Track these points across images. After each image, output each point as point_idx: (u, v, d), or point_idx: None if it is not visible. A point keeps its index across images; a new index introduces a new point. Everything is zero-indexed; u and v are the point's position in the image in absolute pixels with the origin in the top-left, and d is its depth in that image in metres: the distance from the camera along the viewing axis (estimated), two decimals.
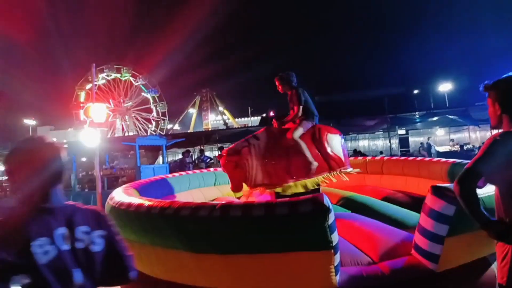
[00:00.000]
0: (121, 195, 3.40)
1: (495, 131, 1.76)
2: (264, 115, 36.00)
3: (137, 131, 30.39)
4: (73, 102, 27.82)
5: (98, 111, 7.10)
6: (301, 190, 4.15)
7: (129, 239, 3.14)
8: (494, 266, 2.62)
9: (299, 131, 4.32)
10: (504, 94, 1.72)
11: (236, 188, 4.32)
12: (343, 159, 4.47)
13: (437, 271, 2.47)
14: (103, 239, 1.37)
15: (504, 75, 1.74)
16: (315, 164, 4.19)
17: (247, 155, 4.17)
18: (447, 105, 25.38)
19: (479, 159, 1.58)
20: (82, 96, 27.77)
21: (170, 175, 6.16)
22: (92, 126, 7.51)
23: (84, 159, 14.62)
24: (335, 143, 4.52)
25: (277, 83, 4.64)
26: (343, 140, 4.67)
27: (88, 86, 26.76)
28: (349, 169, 4.52)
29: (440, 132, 22.99)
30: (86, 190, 10.73)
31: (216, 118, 48.00)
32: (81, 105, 26.68)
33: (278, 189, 4.20)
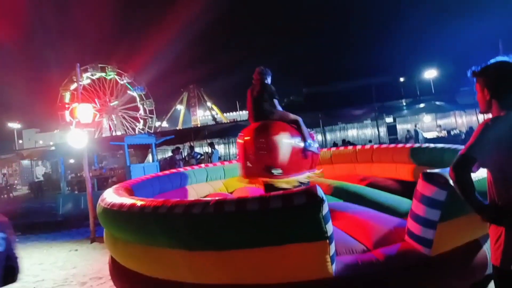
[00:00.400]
0: (113, 196, 3.36)
1: (482, 117, 1.77)
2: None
3: (125, 130, 30.07)
4: (58, 103, 27.35)
5: (85, 111, 7.00)
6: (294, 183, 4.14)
7: (123, 240, 3.12)
8: (485, 248, 2.68)
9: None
10: (493, 79, 1.73)
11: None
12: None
13: (431, 255, 2.51)
14: (4, 241, 1.48)
15: (492, 60, 1.76)
16: None
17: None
18: (433, 91, 25.65)
19: (473, 144, 1.60)
20: (67, 97, 27.30)
21: (160, 173, 6.12)
22: (79, 127, 7.42)
23: (72, 160, 14.47)
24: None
25: (258, 76, 4.60)
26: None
27: (73, 86, 26.31)
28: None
29: (427, 119, 23.27)
30: (76, 192, 10.62)
31: (205, 114, 47.78)
32: (67, 106, 26.29)
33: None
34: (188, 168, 6.84)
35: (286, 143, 4.13)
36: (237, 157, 4.83)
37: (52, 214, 10.45)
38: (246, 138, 4.25)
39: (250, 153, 4.17)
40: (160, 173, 6.16)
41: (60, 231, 8.28)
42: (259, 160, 4.11)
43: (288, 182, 4.07)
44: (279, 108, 4.53)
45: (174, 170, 6.44)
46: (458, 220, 2.50)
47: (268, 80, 4.61)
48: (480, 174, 2.07)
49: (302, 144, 4.33)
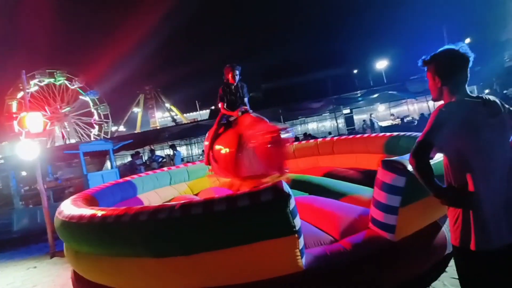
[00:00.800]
0: (70, 208, 3.20)
1: (432, 104, 1.85)
2: (213, 107, 35.65)
3: (79, 137, 28.76)
4: (5, 113, 25.67)
5: (34, 120, 6.60)
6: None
7: (86, 252, 2.98)
8: (444, 229, 2.82)
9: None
10: (443, 67, 1.80)
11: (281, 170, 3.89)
12: None
13: (395, 240, 2.61)
14: None
15: (441, 49, 1.83)
16: None
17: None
18: (385, 81, 26.73)
19: (429, 130, 1.66)
20: (14, 106, 25.70)
21: (121, 180, 5.91)
22: (29, 137, 6.98)
23: (24, 173, 13.63)
24: None
25: (233, 73, 4.63)
26: None
27: (20, 94, 24.80)
28: None
29: (381, 108, 24.24)
30: (31, 206, 10.04)
31: (164, 115, 46.79)
32: (14, 115, 24.73)
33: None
34: (150, 172, 6.66)
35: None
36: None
37: (6, 231, 9.78)
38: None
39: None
40: (121, 180, 5.95)
41: (17, 248, 7.79)
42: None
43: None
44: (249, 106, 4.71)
45: (135, 176, 6.24)
46: (418, 204, 2.62)
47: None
48: (436, 158, 2.17)
49: None
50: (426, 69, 1.87)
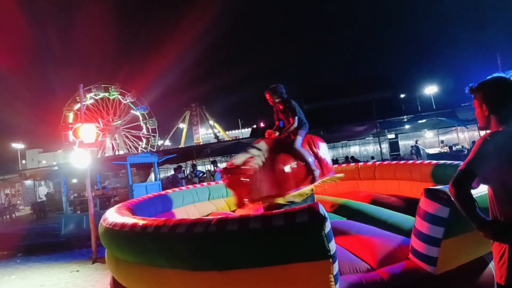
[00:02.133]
0: (114, 216, 3.36)
1: (483, 132, 1.78)
2: (254, 126, 36.09)
3: (128, 149, 30.11)
4: (62, 123, 27.51)
5: (88, 131, 7.05)
6: (300, 198, 4.17)
7: (125, 260, 3.10)
8: (492, 265, 2.64)
9: (300, 141, 4.44)
10: (491, 95, 1.75)
11: (241, 204, 4.02)
12: (330, 165, 4.76)
13: (436, 273, 2.48)
14: None
15: (489, 77, 1.78)
16: (317, 171, 4.30)
17: (252, 167, 3.99)
18: (434, 107, 25.73)
19: (472, 159, 1.60)
20: (71, 117, 27.49)
21: (163, 192, 6.11)
22: (82, 146, 7.44)
23: (75, 180, 14.45)
24: (325, 150, 4.75)
25: (267, 96, 4.66)
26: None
27: (76, 106, 26.53)
28: (337, 175, 4.78)
29: (428, 134, 23.28)
30: (79, 212, 10.57)
31: (207, 132, 47.94)
32: (70, 126, 26.45)
33: (280, 200, 4.14)
34: (190, 186, 6.83)
35: None
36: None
37: (54, 235, 10.38)
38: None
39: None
40: (163, 192, 6.15)
41: (62, 252, 8.21)
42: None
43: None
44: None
45: (176, 189, 6.42)
46: (462, 237, 2.48)
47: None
48: (481, 190, 2.07)
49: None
50: (473, 97, 1.82)
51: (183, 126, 45.46)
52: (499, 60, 17.20)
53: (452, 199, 1.66)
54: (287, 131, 4.54)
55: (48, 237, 10.52)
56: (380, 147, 21.64)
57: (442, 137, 22.32)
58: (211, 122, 45.86)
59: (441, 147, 18.76)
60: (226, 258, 2.40)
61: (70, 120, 27.31)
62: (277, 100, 4.64)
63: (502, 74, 1.75)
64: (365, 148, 26.71)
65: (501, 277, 1.62)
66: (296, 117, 4.49)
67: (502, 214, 1.63)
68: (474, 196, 2.29)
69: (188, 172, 16.93)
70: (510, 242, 1.59)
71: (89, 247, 7.17)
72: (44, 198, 20.74)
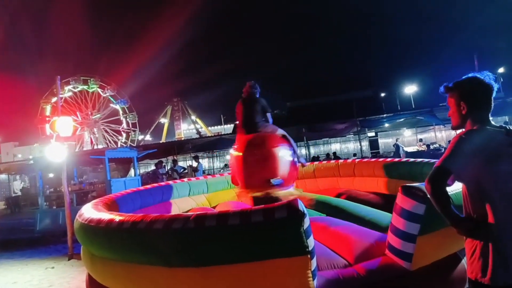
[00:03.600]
0: (91, 211, 3.28)
1: (460, 131, 1.80)
2: (237, 122, 36.00)
3: (107, 144, 29.60)
4: (38, 116, 26.82)
5: (64, 124, 6.85)
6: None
7: (101, 256, 3.03)
8: (464, 261, 2.71)
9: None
10: (468, 94, 1.77)
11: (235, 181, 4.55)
12: None
13: (411, 269, 2.53)
14: None
15: (465, 76, 1.80)
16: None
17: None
18: (413, 106, 26.26)
19: (448, 157, 1.61)
20: (48, 109, 26.83)
21: (142, 188, 6.02)
22: (59, 140, 7.25)
23: (51, 175, 14.10)
24: None
25: (247, 88, 4.73)
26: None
27: (54, 99, 25.86)
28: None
29: (407, 133, 23.76)
30: (54, 207, 10.32)
31: (189, 127, 47.57)
32: (47, 119, 25.78)
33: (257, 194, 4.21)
34: (170, 182, 6.76)
35: (285, 154, 4.34)
36: (231, 169, 4.90)
37: (29, 230, 10.11)
38: (244, 150, 4.36)
39: (250, 165, 4.23)
40: (142, 188, 6.06)
41: (37, 248, 8.00)
42: (260, 171, 4.18)
43: (286, 194, 4.16)
44: (271, 121, 4.72)
45: (156, 184, 6.34)
46: (437, 233, 2.53)
47: (257, 95, 4.78)
48: (456, 188, 2.11)
49: (295, 157, 4.51)
50: (447, 96, 1.85)
51: (164, 121, 44.97)
52: (476, 61, 17.71)
53: (428, 195, 1.68)
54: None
55: (23, 233, 10.23)
56: (361, 145, 21.99)
57: (420, 136, 22.82)
58: (193, 117, 45.51)
59: (419, 146, 19.17)
60: (204, 254, 2.38)
61: (47, 113, 26.65)
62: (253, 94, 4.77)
63: (477, 74, 1.78)
64: (346, 145, 27.04)
65: (472, 273, 1.66)
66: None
67: (475, 212, 1.67)
68: (449, 193, 2.33)
69: (168, 167, 16.74)
70: (481, 238, 1.62)
71: (65, 243, 7.01)
72: (19, 193, 20.15)
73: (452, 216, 1.62)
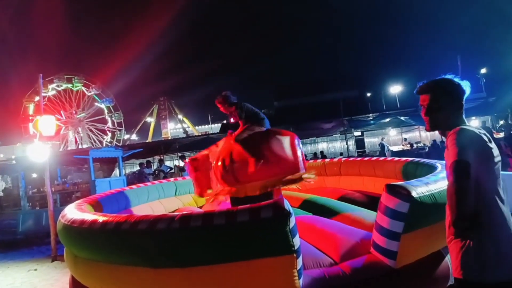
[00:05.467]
0: (74, 212, 3.22)
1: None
2: (224, 122, 35.90)
3: (92, 143, 29.17)
4: (21, 115, 26.25)
5: (47, 123, 6.72)
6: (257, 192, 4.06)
7: (84, 258, 2.98)
8: (448, 259, 2.75)
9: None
10: (442, 95, 1.78)
11: (198, 192, 4.42)
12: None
13: (396, 267, 2.55)
14: None
15: (439, 78, 1.82)
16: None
17: (206, 160, 4.22)
18: (398, 106, 26.63)
19: (459, 151, 1.56)
20: (31, 108, 26.27)
21: (127, 188, 5.94)
22: (42, 139, 7.11)
23: (34, 175, 13.82)
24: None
25: (219, 106, 4.54)
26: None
27: (37, 98, 25.35)
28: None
29: (393, 132, 24.09)
30: (37, 208, 10.11)
31: (176, 127, 47.25)
32: (30, 118, 25.28)
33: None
34: (156, 182, 6.69)
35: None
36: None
37: (11, 232, 9.88)
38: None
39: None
40: (126, 188, 5.98)
41: (19, 249, 7.82)
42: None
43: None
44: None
45: (141, 184, 6.27)
46: (421, 231, 2.56)
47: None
48: (439, 186, 2.13)
49: None
50: (420, 97, 1.86)
51: (150, 120, 44.58)
52: (459, 62, 18.04)
53: (453, 191, 1.57)
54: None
55: (4, 234, 9.98)
56: (347, 144, 22.20)
57: (405, 135, 23.18)
58: (180, 116, 45.23)
59: (404, 145, 19.46)
60: (189, 255, 2.36)
61: (31, 111, 26.11)
62: (227, 107, 4.49)
63: (449, 76, 1.80)
64: (332, 145, 27.26)
65: (457, 270, 1.67)
66: (242, 121, 4.46)
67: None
68: (432, 192, 2.35)
69: (155, 167, 16.59)
70: (473, 237, 1.63)
71: (49, 244, 6.87)
72: (1, 194, 19.69)
73: (464, 214, 1.55)
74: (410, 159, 5.06)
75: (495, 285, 1.58)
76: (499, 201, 1.63)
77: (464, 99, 1.79)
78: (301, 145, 4.27)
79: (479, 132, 1.69)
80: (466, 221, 1.59)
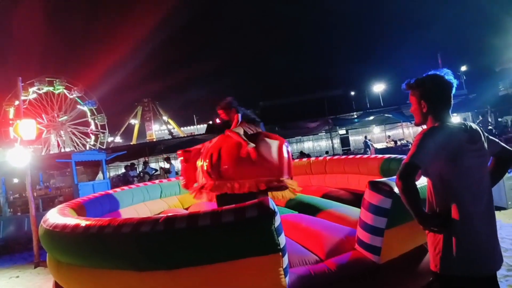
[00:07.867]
0: (56, 216, 3.16)
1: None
2: (210, 122, 35.74)
3: (75, 147, 28.68)
4: (1, 119, 25.61)
5: (27, 127, 6.56)
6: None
7: (68, 263, 2.93)
8: None
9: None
10: (429, 92, 1.80)
11: (184, 185, 4.48)
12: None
13: (380, 262, 2.59)
14: None
15: (426, 74, 1.84)
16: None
17: (198, 153, 4.25)
18: (382, 104, 26.98)
19: (415, 153, 1.63)
20: (11, 112, 25.66)
21: (111, 191, 5.86)
22: (23, 144, 6.94)
23: (16, 180, 13.51)
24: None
25: (220, 112, 4.47)
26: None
27: (17, 102, 24.79)
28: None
29: (376, 130, 24.41)
30: (19, 213, 9.88)
31: (161, 128, 46.78)
32: (11, 122, 24.67)
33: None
34: (140, 184, 6.62)
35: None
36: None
37: None
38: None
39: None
40: (110, 191, 5.89)
41: (0, 256, 7.63)
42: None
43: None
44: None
45: (125, 187, 6.19)
46: (403, 227, 2.61)
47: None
48: (421, 182, 2.16)
49: None
50: (409, 93, 1.88)
51: (134, 122, 44.01)
52: (440, 59, 18.41)
53: (398, 192, 1.68)
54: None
55: None
56: (332, 142, 22.39)
57: (389, 132, 23.49)
58: (164, 118, 44.78)
59: (387, 142, 19.73)
60: (174, 257, 2.34)
61: (11, 116, 25.47)
62: (230, 114, 4.49)
63: (437, 72, 1.82)
64: (318, 143, 27.47)
65: (436, 266, 1.70)
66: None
67: (438, 205, 1.71)
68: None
69: (140, 169, 16.40)
70: (446, 232, 1.67)
71: (31, 250, 6.72)
72: None
73: (420, 213, 1.65)
74: (393, 156, 5.14)
75: (465, 280, 1.62)
76: (469, 198, 1.66)
77: (452, 94, 1.82)
78: (290, 150, 4.21)
79: (459, 129, 1.72)
80: (428, 219, 1.67)
